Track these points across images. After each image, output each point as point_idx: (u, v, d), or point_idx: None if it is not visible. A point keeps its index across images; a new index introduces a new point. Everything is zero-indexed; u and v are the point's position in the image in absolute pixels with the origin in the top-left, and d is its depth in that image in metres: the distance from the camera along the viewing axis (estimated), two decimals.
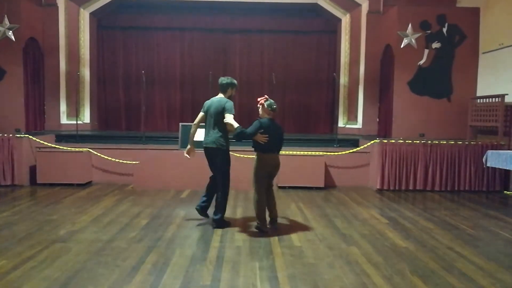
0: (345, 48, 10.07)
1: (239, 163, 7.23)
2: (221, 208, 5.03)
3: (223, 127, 4.90)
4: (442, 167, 7.54)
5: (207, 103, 5.08)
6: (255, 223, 4.96)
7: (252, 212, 5.18)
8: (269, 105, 4.81)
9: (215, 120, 4.91)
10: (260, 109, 4.89)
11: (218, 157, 4.95)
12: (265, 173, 4.80)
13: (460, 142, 7.61)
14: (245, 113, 10.49)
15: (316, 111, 10.89)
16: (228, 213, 5.61)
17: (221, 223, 5.03)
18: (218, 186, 5.01)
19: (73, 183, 7.41)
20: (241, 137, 4.64)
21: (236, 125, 4.69)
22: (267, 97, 4.92)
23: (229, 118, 4.77)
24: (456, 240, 4.69)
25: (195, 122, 5.19)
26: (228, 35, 10.80)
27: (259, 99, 4.91)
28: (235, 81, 5.13)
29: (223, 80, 5.08)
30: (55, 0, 9.42)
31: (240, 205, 6.22)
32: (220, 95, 5.06)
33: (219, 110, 4.88)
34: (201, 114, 5.14)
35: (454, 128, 8.70)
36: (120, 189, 7.31)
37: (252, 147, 4.88)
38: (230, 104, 4.89)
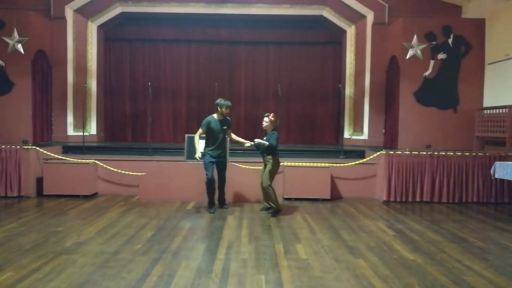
0: (350, 59, 10.09)
1: (246, 175, 7.22)
2: None
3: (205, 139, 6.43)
4: (450, 179, 7.47)
5: None
6: (261, 234, 5.26)
7: (257, 225, 5.66)
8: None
9: None
10: (269, 124, 6.21)
11: None
12: (277, 170, 6.27)
13: (468, 153, 7.55)
14: (250, 124, 10.53)
15: (321, 122, 10.88)
16: (233, 225, 5.68)
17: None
18: None
19: (79, 195, 7.42)
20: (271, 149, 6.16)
21: (197, 139, 6.34)
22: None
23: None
24: (465, 253, 4.63)
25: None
26: (233, 47, 10.88)
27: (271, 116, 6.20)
28: (222, 102, 6.34)
29: (216, 101, 6.42)
30: (64, 13, 9.57)
31: (246, 218, 6.17)
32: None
33: None
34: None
35: (461, 139, 8.65)
36: (126, 200, 7.30)
37: (270, 153, 6.17)
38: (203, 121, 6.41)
